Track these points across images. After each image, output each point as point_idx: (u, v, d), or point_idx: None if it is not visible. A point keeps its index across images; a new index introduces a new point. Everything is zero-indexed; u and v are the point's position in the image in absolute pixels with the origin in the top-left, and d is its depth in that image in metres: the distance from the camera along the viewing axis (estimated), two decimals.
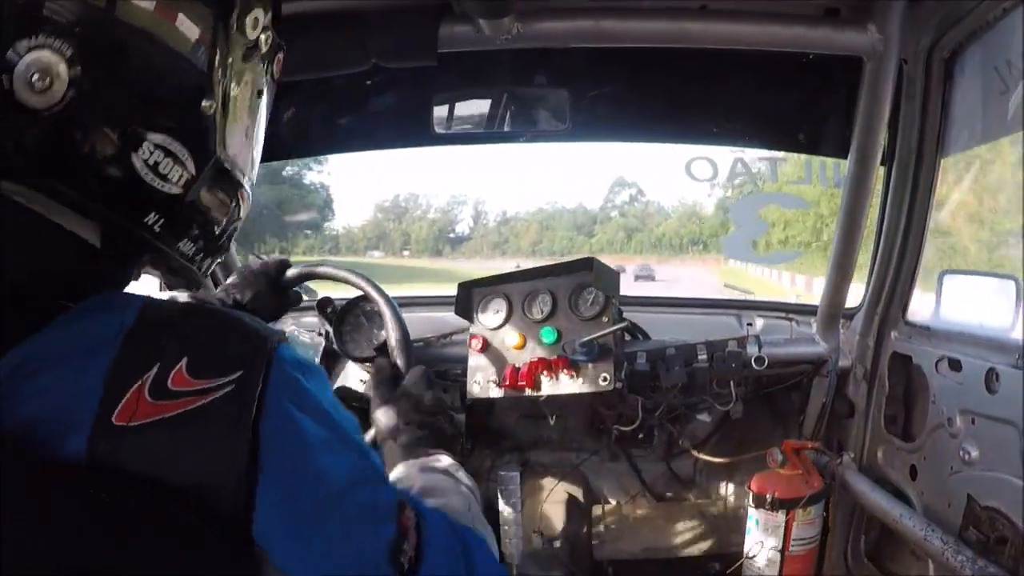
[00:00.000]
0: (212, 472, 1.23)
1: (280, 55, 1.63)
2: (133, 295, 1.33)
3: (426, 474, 2.05)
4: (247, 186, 1.56)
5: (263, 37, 1.51)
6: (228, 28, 1.41)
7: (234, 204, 1.52)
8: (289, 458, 1.29)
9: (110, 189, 1.30)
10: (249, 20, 1.46)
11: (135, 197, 1.33)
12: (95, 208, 1.30)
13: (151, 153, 1.31)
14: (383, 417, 2.42)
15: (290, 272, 3.03)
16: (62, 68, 1.20)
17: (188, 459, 1.22)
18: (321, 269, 3.15)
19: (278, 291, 3.02)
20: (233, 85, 1.46)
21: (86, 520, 1.15)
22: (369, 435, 2.43)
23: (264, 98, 1.63)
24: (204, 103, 1.38)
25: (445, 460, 2.18)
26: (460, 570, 1.50)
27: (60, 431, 1.17)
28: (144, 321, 1.26)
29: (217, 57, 1.39)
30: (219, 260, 1.66)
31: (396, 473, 2.09)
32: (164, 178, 1.34)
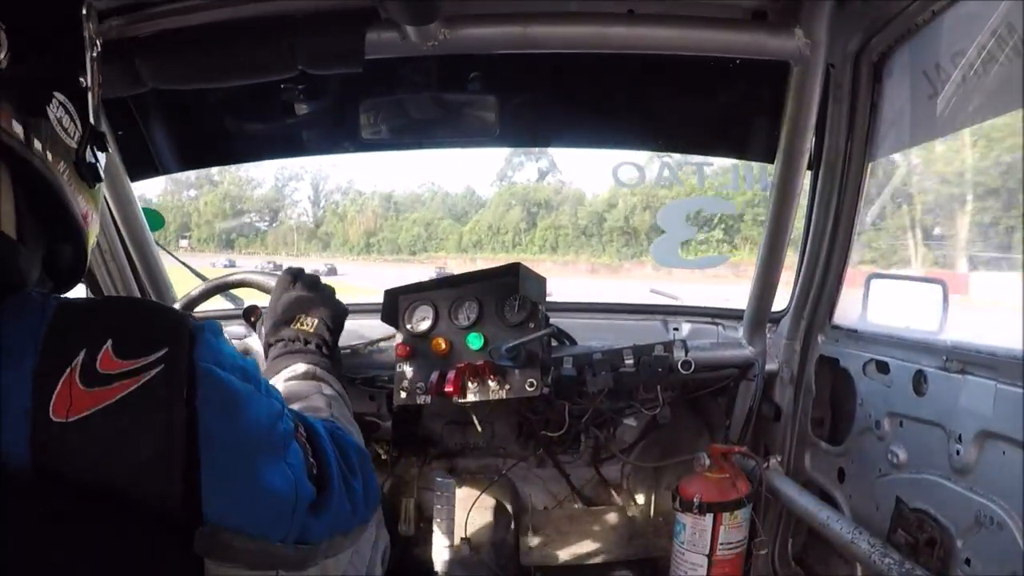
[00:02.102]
0: (156, 458, 1.26)
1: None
2: (46, 293, 1.38)
3: (288, 384, 2.27)
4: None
5: (99, 41, 1.71)
6: (90, 23, 1.63)
7: (101, 171, 1.69)
8: (224, 420, 1.35)
9: (30, 136, 1.44)
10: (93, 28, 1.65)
11: (48, 145, 1.49)
12: (17, 153, 1.43)
13: (58, 107, 1.51)
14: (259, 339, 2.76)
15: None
16: (3, 33, 1.37)
17: (131, 450, 1.25)
18: (195, 292, 3.24)
19: None
20: (90, 70, 1.65)
21: (33, 537, 1.17)
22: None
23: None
24: (80, 78, 1.60)
25: (301, 367, 2.37)
26: (342, 467, 1.70)
27: None
28: (63, 313, 1.30)
29: (87, 45, 1.63)
30: (95, 242, 1.77)
31: None
32: (66, 131, 1.53)
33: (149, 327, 1.35)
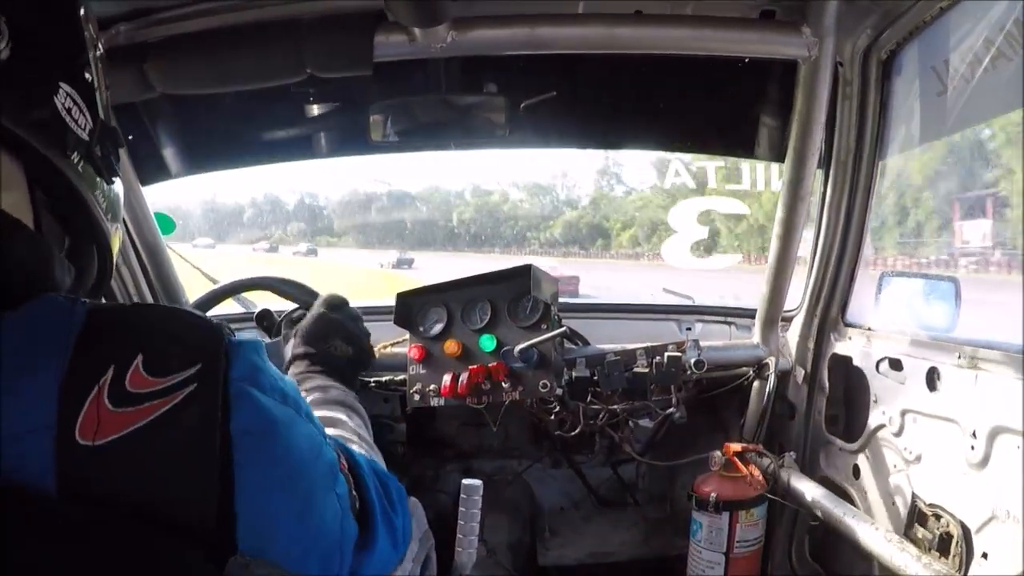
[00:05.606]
0: (188, 484, 1.21)
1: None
2: (75, 298, 1.31)
3: (320, 408, 2.19)
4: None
5: (101, 41, 1.66)
6: (89, 24, 1.58)
7: (116, 167, 1.65)
8: (263, 449, 1.29)
9: (41, 127, 1.40)
10: (94, 26, 1.61)
11: (59, 137, 1.44)
12: (29, 145, 1.38)
13: (66, 98, 1.45)
14: (285, 356, 2.67)
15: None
16: (3, 22, 1.32)
17: (162, 475, 1.19)
18: (208, 295, 3.24)
19: None
20: (94, 68, 1.59)
21: (57, 562, 1.12)
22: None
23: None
24: (87, 74, 1.53)
25: (334, 392, 2.33)
26: (384, 502, 1.65)
27: (20, 452, 1.13)
28: (93, 322, 1.24)
29: (88, 44, 1.57)
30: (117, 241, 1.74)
31: None
32: (77, 123, 1.48)
33: (182, 341, 1.29)
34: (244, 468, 1.24)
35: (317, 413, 2.04)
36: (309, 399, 2.28)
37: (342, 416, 2.19)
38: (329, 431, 1.89)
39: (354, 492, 1.53)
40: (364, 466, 1.64)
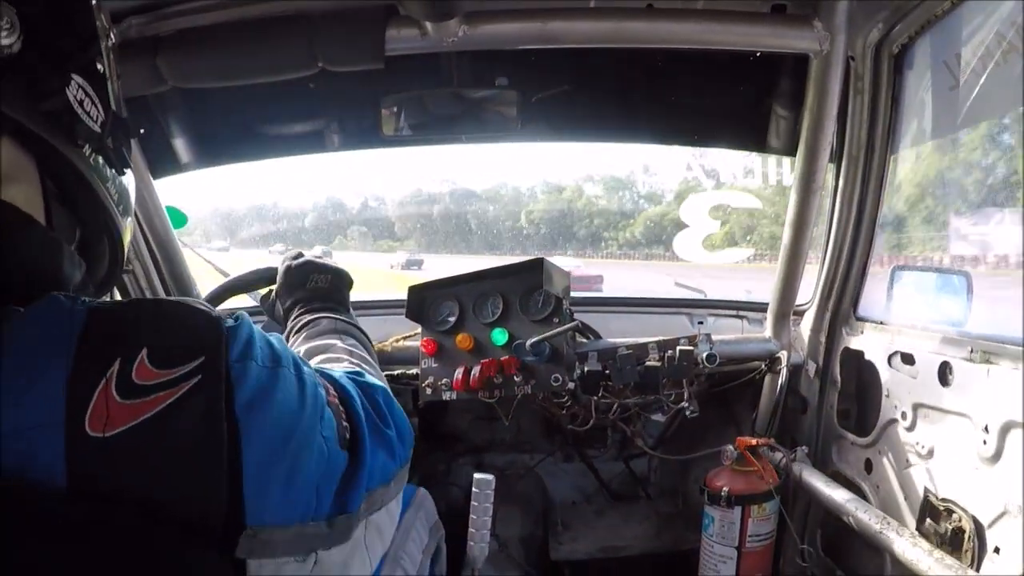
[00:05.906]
0: (198, 472, 1.23)
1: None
2: (75, 296, 1.31)
3: (310, 342, 2.20)
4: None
5: (113, 31, 1.70)
6: (102, 14, 1.60)
7: (128, 158, 1.67)
8: (262, 419, 1.31)
9: (53, 119, 1.42)
10: (106, 18, 1.64)
11: (71, 128, 1.45)
12: (41, 137, 1.40)
13: (78, 90, 1.46)
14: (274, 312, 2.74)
15: None
16: (15, 15, 1.32)
17: (172, 465, 1.21)
18: (217, 290, 3.23)
19: None
20: (106, 59, 1.60)
21: (68, 556, 1.13)
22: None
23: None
24: (99, 65, 1.54)
25: (324, 322, 2.34)
26: (373, 417, 1.64)
27: (27, 449, 1.14)
28: (95, 319, 1.25)
29: (100, 34, 1.58)
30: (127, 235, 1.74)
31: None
32: (89, 115, 1.49)
33: (184, 334, 1.31)
34: (249, 446, 1.26)
35: (308, 346, 2.14)
36: (301, 337, 2.30)
37: (332, 341, 2.20)
38: (317, 360, 2.00)
39: (344, 423, 1.53)
40: (350, 390, 1.64)
